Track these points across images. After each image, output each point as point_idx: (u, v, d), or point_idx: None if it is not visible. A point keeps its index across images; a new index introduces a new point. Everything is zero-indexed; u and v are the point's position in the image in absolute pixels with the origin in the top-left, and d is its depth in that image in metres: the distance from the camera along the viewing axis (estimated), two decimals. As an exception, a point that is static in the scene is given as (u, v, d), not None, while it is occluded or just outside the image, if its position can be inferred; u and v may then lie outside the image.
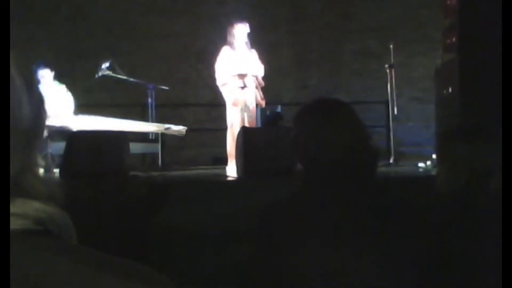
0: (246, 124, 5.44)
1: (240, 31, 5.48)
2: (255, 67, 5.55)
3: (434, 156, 4.66)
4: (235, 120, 5.54)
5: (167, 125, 5.95)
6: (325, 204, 1.53)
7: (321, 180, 1.53)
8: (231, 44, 5.51)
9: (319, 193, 1.54)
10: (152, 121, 6.22)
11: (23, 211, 0.54)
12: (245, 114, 5.51)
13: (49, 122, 5.38)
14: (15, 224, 0.53)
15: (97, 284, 0.52)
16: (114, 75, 6.20)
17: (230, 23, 5.57)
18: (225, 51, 5.49)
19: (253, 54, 5.57)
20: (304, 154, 1.57)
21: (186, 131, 5.99)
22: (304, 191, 1.59)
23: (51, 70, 6.04)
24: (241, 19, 5.57)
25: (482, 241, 1.68)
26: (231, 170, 5.32)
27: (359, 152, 1.54)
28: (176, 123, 6.10)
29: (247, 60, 5.50)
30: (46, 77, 5.95)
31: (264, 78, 5.66)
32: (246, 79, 5.50)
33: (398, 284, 1.54)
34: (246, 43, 5.51)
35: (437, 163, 2.01)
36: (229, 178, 4.92)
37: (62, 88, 6.10)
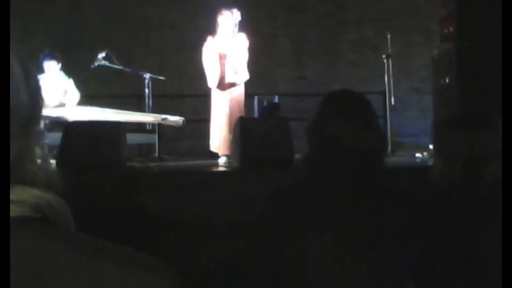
0: (224, 115, 5.43)
1: (225, 19, 5.44)
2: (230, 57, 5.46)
3: (431, 146, 4.67)
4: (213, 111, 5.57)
5: (164, 116, 5.93)
6: (335, 190, 1.56)
7: (333, 165, 1.57)
8: (213, 32, 5.51)
9: (330, 178, 1.58)
10: (149, 112, 6.21)
11: (21, 198, 0.54)
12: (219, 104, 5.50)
13: (46, 112, 5.37)
14: (13, 211, 0.53)
15: (96, 270, 0.52)
16: (110, 65, 6.17)
17: (219, 11, 5.54)
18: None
19: (237, 41, 5.48)
20: (320, 137, 1.60)
21: (183, 121, 5.98)
22: (312, 177, 1.61)
23: (58, 61, 6.02)
24: (231, 7, 5.52)
25: (479, 230, 1.69)
26: (222, 161, 5.31)
27: (374, 142, 1.60)
28: (173, 113, 6.08)
29: (221, 47, 5.45)
30: (52, 68, 5.94)
31: (243, 66, 5.54)
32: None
33: (396, 272, 1.55)
34: (233, 30, 5.46)
35: (433, 153, 2.01)
36: (226, 169, 4.92)
37: (69, 81, 6.09)
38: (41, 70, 5.91)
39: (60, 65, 6.05)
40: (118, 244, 0.56)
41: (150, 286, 0.54)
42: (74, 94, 6.07)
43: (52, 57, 5.98)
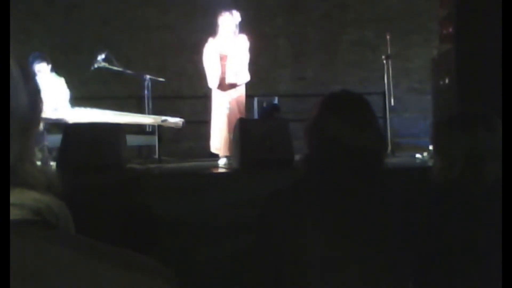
0: (224, 116, 5.43)
1: (225, 20, 5.45)
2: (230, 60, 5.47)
3: (431, 147, 4.68)
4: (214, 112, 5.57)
5: (163, 117, 5.93)
6: (334, 190, 1.57)
7: (333, 166, 1.57)
8: (214, 33, 5.52)
9: (330, 179, 1.58)
10: (149, 113, 6.21)
11: (21, 201, 0.54)
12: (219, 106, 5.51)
13: (46, 114, 5.36)
14: (13, 214, 0.53)
15: (96, 273, 0.52)
16: (110, 67, 6.17)
17: (218, 12, 5.54)
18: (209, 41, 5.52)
19: (238, 42, 5.48)
20: (320, 138, 1.60)
21: (183, 123, 5.97)
22: (312, 177, 1.62)
23: (48, 63, 6.01)
24: (230, 8, 5.53)
25: (479, 230, 1.69)
26: (222, 162, 5.31)
27: (374, 142, 1.61)
28: (173, 115, 6.08)
29: (222, 49, 5.46)
30: (42, 71, 5.92)
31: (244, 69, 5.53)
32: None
33: (397, 272, 1.55)
34: (234, 32, 5.47)
35: (433, 153, 2.01)
36: (226, 170, 4.92)
37: (61, 80, 6.08)
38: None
39: (50, 66, 6.03)
40: (118, 246, 0.56)
41: None
42: (64, 92, 6.05)
43: (42, 59, 5.95)
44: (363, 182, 1.58)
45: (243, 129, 4.45)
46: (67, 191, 0.61)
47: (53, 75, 6.07)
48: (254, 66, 5.72)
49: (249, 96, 6.04)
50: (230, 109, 5.44)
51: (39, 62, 5.89)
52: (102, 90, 7.51)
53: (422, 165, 4.88)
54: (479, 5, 5.01)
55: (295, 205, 1.58)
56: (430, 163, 3.74)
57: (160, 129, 5.99)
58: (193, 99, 7.84)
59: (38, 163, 0.60)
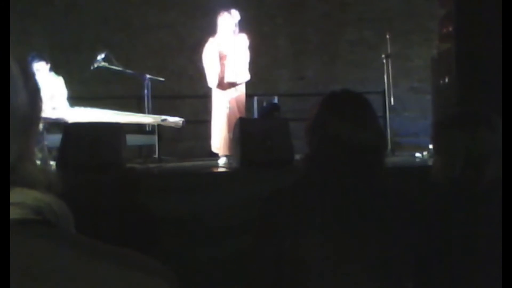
0: (224, 115, 5.44)
1: (225, 20, 5.45)
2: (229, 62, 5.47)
3: (431, 146, 4.68)
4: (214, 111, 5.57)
5: (163, 117, 5.93)
6: (335, 189, 1.57)
7: (334, 165, 1.58)
8: (214, 33, 5.53)
9: (330, 178, 1.59)
10: (149, 113, 6.21)
11: (22, 200, 0.54)
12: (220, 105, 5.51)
13: (45, 114, 5.35)
14: (13, 213, 0.53)
15: (96, 272, 0.52)
16: (109, 66, 6.17)
17: (218, 12, 5.54)
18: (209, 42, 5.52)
19: (238, 41, 5.48)
20: (320, 137, 1.60)
21: (183, 122, 5.98)
22: (313, 177, 1.62)
23: (47, 62, 6.00)
24: (230, 8, 5.53)
25: (479, 230, 1.69)
26: (222, 162, 5.32)
27: (374, 141, 1.62)
28: (173, 114, 6.09)
29: (222, 48, 5.46)
30: (41, 70, 5.92)
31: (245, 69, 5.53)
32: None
33: (397, 271, 1.55)
34: (234, 31, 5.47)
35: (433, 152, 2.02)
36: (226, 170, 4.92)
37: (59, 79, 6.07)
38: None
39: (49, 65, 6.03)
40: (118, 246, 0.56)
41: (149, 287, 0.54)
42: (63, 92, 6.05)
43: (41, 58, 5.95)
44: (364, 181, 1.58)
45: (243, 129, 4.45)
46: (67, 190, 0.61)
47: (52, 74, 6.06)
48: (254, 65, 5.72)
49: (249, 95, 6.04)
50: (230, 109, 5.44)
51: (38, 61, 5.89)
52: (102, 90, 7.50)
53: (422, 164, 4.89)
54: (479, 5, 5.01)
55: (295, 204, 1.58)
56: (430, 162, 3.74)
57: (160, 129, 5.99)
58: (193, 98, 7.84)
59: (38, 162, 0.60)
